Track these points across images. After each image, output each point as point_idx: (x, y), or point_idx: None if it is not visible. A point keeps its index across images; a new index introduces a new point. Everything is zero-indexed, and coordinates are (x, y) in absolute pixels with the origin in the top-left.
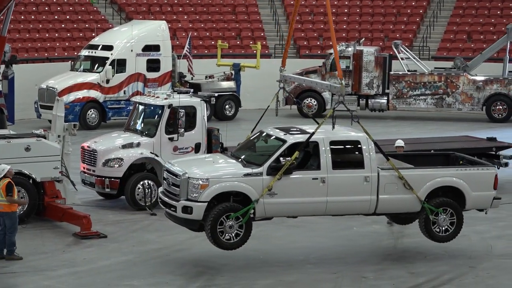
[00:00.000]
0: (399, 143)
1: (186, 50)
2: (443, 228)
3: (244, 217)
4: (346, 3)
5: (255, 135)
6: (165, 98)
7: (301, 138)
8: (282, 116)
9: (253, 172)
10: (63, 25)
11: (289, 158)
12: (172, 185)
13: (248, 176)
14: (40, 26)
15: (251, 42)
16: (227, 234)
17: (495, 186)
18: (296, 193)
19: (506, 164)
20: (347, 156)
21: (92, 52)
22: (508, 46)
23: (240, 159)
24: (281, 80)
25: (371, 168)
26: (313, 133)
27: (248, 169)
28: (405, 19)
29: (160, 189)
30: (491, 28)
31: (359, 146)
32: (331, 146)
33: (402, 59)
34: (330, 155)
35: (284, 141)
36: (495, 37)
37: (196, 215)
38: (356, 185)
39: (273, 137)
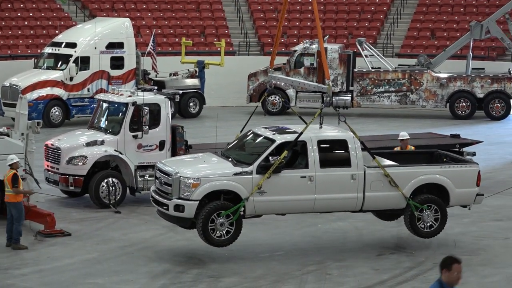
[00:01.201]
0: (404, 135)
1: (150, 48)
2: (428, 224)
3: (235, 215)
4: (310, 0)
5: (244, 135)
6: (129, 96)
7: (289, 137)
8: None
9: (243, 171)
10: (26, 23)
11: (278, 157)
12: (164, 184)
13: (238, 175)
14: (3, 23)
15: (215, 40)
16: (218, 232)
17: (478, 183)
18: (285, 191)
19: None
20: (334, 154)
21: (55, 50)
22: (471, 43)
23: (230, 159)
24: (269, 80)
25: (357, 166)
26: (301, 133)
27: (238, 168)
28: (369, 16)
29: (152, 187)
30: (455, 26)
31: (346, 145)
32: (319, 145)
33: (366, 56)
34: (317, 154)
35: (272, 141)
36: (458, 34)
37: (188, 213)
38: (343, 183)
39: (262, 136)
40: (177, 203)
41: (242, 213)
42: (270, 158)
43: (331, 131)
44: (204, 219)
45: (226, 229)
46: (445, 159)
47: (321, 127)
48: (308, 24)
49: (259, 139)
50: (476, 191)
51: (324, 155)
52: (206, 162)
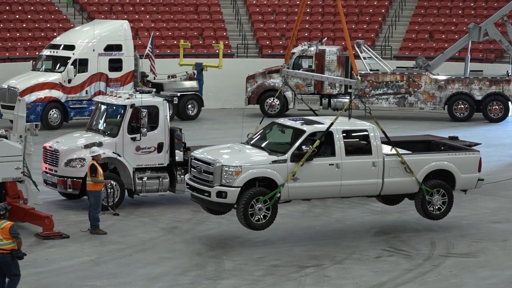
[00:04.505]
0: None
1: (149, 50)
2: (436, 207)
3: (271, 200)
4: (309, 2)
5: (267, 127)
6: (128, 98)
7: (316, 128)
8: (249, 115)
9: (279, 159)
10: (24, 25)
11: (310, 146)
12: (203, 172)
13: (275, 163)
14: (1, 25)
15: (213, 42)
16: (256, 216)
17: (479, 169)
18: (315, 178)
19: None
20: (357, 143)
21: (53, 52)
22: (470, 46)
23: (263, 148)
24: (284, 75)
25: (377, 154)
26: (332, 123)
27: (274, 156)
28: (367, 18)
29: (187, 176)
30: (453, 28)
31: (367, 134)
32: (343, 135)
33: (364, 58)
34: (343, 143)
35: (303, 131)
36: (456, 36)
37: (230, 199)
38: (366, 169)
39: (290, 127)
40: (220, 190)
41: (277, 198)
42: (303, 147)
43: (353, 122)
44: (245, 204)
45: (264, 213)
46: (442, 148)
47: (350, 118)
48: (306, 26)
49: (287, 130)
50: (478, 176)
51: (348, 144)
52: (242, 151)
